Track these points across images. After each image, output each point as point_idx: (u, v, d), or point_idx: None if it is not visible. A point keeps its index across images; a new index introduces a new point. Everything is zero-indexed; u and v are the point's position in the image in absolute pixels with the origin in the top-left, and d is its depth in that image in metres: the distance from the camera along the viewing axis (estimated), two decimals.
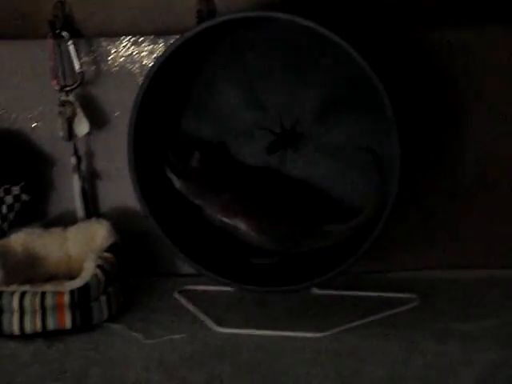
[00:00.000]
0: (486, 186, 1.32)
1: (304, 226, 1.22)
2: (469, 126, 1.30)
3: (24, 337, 1.16)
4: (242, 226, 1.23)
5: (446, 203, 1.32)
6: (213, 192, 1.24)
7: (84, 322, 1.17)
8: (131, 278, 1.29)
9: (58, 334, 1.16)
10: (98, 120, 1.33)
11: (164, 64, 1.17)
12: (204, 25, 1.16)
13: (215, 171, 1.25)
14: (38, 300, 1.15)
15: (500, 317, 1.17)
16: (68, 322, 1.16)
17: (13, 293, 1.15)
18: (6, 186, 1.31)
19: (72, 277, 1.22)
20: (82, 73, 1.29)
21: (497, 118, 1.29)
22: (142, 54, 1.32)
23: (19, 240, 1.29)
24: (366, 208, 1.20)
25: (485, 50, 1.27)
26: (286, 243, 1.23)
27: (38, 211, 1.36)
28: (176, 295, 1.29)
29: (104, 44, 1.32)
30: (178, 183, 1.24)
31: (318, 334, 1.14)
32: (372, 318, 1.18)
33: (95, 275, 1.18)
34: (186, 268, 1.30)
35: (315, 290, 1.27)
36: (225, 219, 1.23)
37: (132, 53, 1.32)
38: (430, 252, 1.34)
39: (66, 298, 1.15)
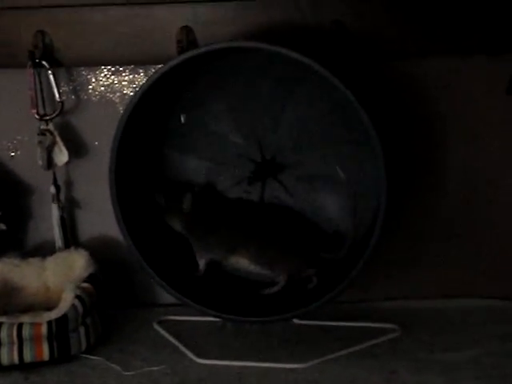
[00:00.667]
0: (470, 217, 1.32)
1: (304, 255, 1.22)
2: (451, 152, 1.31)
3: (1, 369, 1.14)
4: (243, 261, 1.22)
5: (428, 232, 1.33)
6: (208, 232, 1.23)
7: (62, 354, 1.15)
8: (110, 308, 1.28)
9: (36, 365, 1.14)
10: (77, 149, 1.32)
11: (144, 95, 1.16)
12: (185, 55, 1.15)
13: (208, 210, 1.24)
14: (15, 331, 1.13)
15: (483, 346, 1.17)
16: (46, 354, 1.14)
17: None
18: None
19: (50, 307, 1.20)
20: (61, 102, 1.29)
21: (478, 145, 1.30)
22: (123, 83, 1.32)
23: None
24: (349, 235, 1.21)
25: (467, 80, 1.28)
26: (288, 272, 1.22)
27: (15, 241, 1.34)
28: (155, 326, 1.27)
29: (84, 73, 1.32)
30: (177, 225, 1.23)
31: (299, 365, 1.13)
32: (353, 348, 1.18)
33: (73, 306, 1.17)
34: (166, 298, 1.29)
35: (296, 320, 1.26)
36: (224, 258, 1.23)
37: (112, 82, 1.32)
38: (412, 281, 1.33)
39: (44, 329, 1.14)
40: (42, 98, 1.29)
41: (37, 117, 1.29)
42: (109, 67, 1.32)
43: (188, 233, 1.24)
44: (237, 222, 1.24)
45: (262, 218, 1.27)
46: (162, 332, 1.25)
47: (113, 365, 1.15)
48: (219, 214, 1.25)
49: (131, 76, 1.32)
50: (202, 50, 1.15)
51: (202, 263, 1.24)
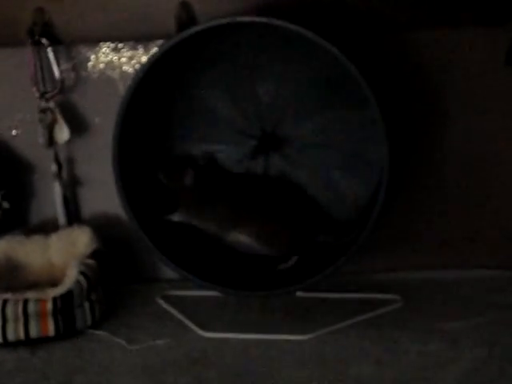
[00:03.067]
0: (467, 189, 1.32)
1: (300, 237, 1.23)
2: (451, 126, 1.31)
3: (7, 345, 1.15)
4: (242, 237, 1.23)
5: (430, 204, 1.33)
6: (209, 208, 1.23)
7: (67, 329, 1.16)
8: (114, 284, 1.29)
9: (42, 341, 1.15)
10: (78, 126, 1.32)
11: (147, 72, 1.16)
12: (189, 31, 1.15)
13: (209, 186, 1.24)
14: (20, 308, 1.14)
15: (484, 315, 1.18)
16: (51, 330, 1.15)
17: None
18: None
19: (54, 284, 1.21)
20: (61, 79, 1.29)
21: (478, 118, 1.30)
22: (122, 60, 1.32)
23: (0, 248, 1.28)
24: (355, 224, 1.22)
25: (465, 52, 1.28)
26: (284, 250, 1.23)
27: (19, 219, 1.35)
28: (159, 300, 1.28)
29: (83, 50, 1.32)
30: (177, 216, 1.23)
31: (303, 337, 1.14)
32: (356, 319, 1.18)
33: (78, 282, 1.17)
34: (169, 273, 1.29)
35: (299, 293, 1.27)
36: (225, 234, 1.23)
37: (112, 59, 1.32)
38: (413, 253, 1.34)
39: (49, 306, 1.15)
40: (42, 75, 1.29)
41: (37, 95, 1.29)
42: (108, 44, 1.31)
43: (190, 209, 1.23)
44: (238, 197, 1.24)
45: (263, 193, 1.27)
46: (166, 306, 1.26)
47: (118, 339, 1.16)
48: (220, 188, 1.25)
49: (131, 53, 1.32)
50: (211, 24, 1.14)
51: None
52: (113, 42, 1.31)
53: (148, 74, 1.16)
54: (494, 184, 1.32)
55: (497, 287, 1.27)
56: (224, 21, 1.15)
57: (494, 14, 1.26)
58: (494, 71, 1.29)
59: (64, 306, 1.16)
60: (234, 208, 1.23)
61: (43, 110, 1.29)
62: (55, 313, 1.15)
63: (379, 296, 1.25)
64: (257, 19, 1.14)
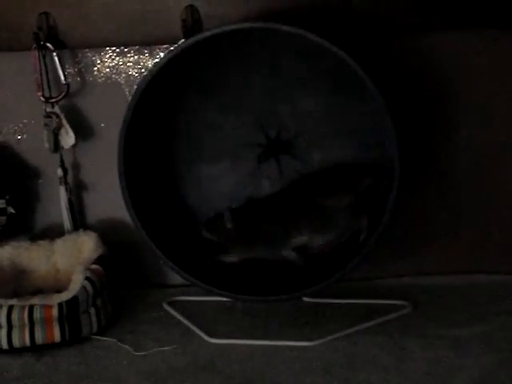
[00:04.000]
0: (476, 193, 1.32)
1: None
2: (461, 129, 1.30)
3: (12, 351, 1.15)
4: (301, 239, 1.23)
5: (438, 209, 1.32)
6: (256, 237, 1.25)
7: (73, 335, 1.16)
8: (120, 289, 1.29)
9: (47, 347, 1.15)
10: (84, 131, 1.32)
11: (154, 77, 1.16)
12: (194, 38, 1.14)
13: (248, 218, 1.25)
14: (26, 314, 1.14)
15: (491, 322, 1.17)
16: (57, 336, 1.15)
17: (0, 307, 1.14)
18: None
19: (60, 290, 1.20)
20: (67, 84, 1.29)
21: (489, 119, 1.30)
22: (128, 64, 1.32)
23: (6, 254, 1.28)
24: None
25: (478, 55, 1.28)
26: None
27: (24, 224, 1.35)
28: (166, 306, 1.27)
29: (89, 55, 1.31)
30: (231, 258, 1.25)
31: (310, 343, 1.14)
32: (363, 325, 1.18)
33: (84, 288, 1.17)
34: (175, 279, 1.29)
35: (306, 299, 1.26)
36: (277, 251, 1.24)
37: (117, 63, 1.32)
38: (421, 259, 1.34)
39: (55, 311, 1.14)
40: (48, 80, 1.29)
41: (42, 99, 1.29)
42: (114, 48, 1.31)
43: (240, 246, 1.25)
44: (275, 214, 1.25)
45: (288, 197, 1.27)
46: (173, 312, 1.25)
47: (124, 345, 1.15)
48: (257, 215, 1.25)
49: (136, 57, 1.31)
50: (216, 30, 1.13)
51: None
52: (118, 47, 1.31)
53: (155, 79, 1.16)
54: (505, 188, 1.31)
55: (507, 293, 1.26)
56: (230, 28, 1.14)
57: (503, 17, 1.25)
58: (503, 74, 1.28)
59: (70, 312, 1.15)
60: (276, 226, 1.24)
61: (48, 115, 1.29)
62: (61, 319, 1.15)
63: (387, 302, 1.25)
64: (266, 26, 1.13)
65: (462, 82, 1.28)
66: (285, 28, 1.11)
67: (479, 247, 1.33)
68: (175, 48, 1.14)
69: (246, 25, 1.14)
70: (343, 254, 1.21)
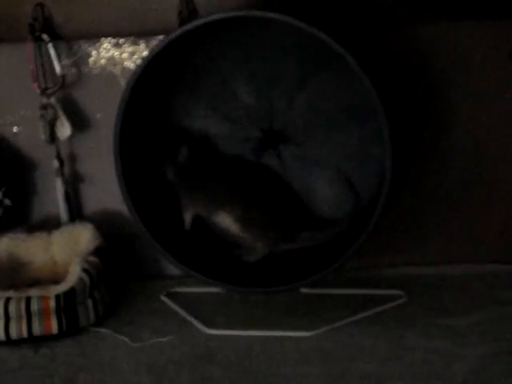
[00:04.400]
0: (473, 183, 1.31)
1: (283, 230, 1.23)
2: (455, 119, 1.30)
3: (10, 343, 1.15)
4: (227, 220, 1.22)
5: (433, 200, 1.32)
6: (198, 186, 1.23)
7: (70, 327, 1.16)
8: (117, 281, 1.28)
9: (45, 339, 1.15)
10: (80, 122, 1.32)
11: (147, 67, 1.15)
12: (188, 26, 1.14)
13: (202, 165, 1.24)
14: (23, 305, 1.14)
15: (487, 311, 1.17)
16: (54, 327, 1.15)
17: None
18: None
19: (57, 281, 1.20)
20: (62, 75, 1.28)
21: (481, 110, 1.29)
22: (123, 55, 1.31)
23: (3, 245, 1.27)
24: (342, 220, 1.23)
25: (470, 45, 1.27)
26: (265, 242, 1.23)
27: (21, 216, 1.34)
28: (163, 297, 1.27)
29: (84, 46, 1.31)
30: (170, 174, 1.24)
31: (307, 333, 1.14)
32: (360, 315, 1.18)
33: (81, 279, 1.17)
34: (173, 270, 1.29)
35: (303, 289, 1.26)
36: (211, 213, 1.22)
37: (113, 54, 1.31)
38: (417, 248, 1.34)
39: (52, 303, 1.14)
40: (43, 71, 1.29)
41: (38, 91, 1.28)
42: (109, 39, 1.31)
43: (179, 184, 1.23)
44: (227, 179, 1.24)
45: (253, 179, 1.26)
46: (170, 303, 1.25)
47: (121, 337, 1.15)
48: (211, 169, 1.24)
49: (132, 48, 1.31)
50: (213, 17, 1.13)
51: (188, 218, 1.24)
52: (114, 38, 1.30)
53: (149, 69, 1.16)
54: (501, 176, 1.31)
55: (503, 282, 1.26)
56: (223, 15, 1.13)
57: (497, 7, 1.24)
58: (497, 64, 1.28)
59: (67, 304, 1.15)
60: (221, 189, 1.23)
61: (44, 107, 1.28)
62: (58, 310, 1.15)
63: (383, 292, 1.25)
64: (258, 14, 1.12)
65: (455, 75, 1.28)
66: (275, 16, 1.10)
67: (476, 236, 1.33)
68: (169, 36, 1.14)
69: (234, 13, 1.14)
70: (338, 244, 1.21)
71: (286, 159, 1.28)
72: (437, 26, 1.26)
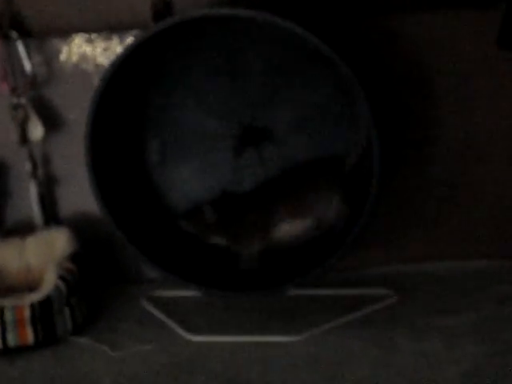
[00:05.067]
0: (460, 179, 1.29)
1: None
2: (442, 118, 1.27)
3: None
4: (285, 227, 1.21)
5: (421, 197, 1.29)
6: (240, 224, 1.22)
7: (47, 337, 1.12)
8: (95, 286, 1.25)
9: (20, 350, 1.11)
10: (52, 122, 1.28)
11: (121, 64, 1.11)
12: (163, 24, 1.09)
13: (229, 209, 1.22)
14: None
15: (478, 310, 1.14)
16: (30, 338, 1.11)
17: None
18: None
19: (32, 288, 1.17)
20: (33, 74, 1.25)
21: (469, 109, 1.26)
22: (96, 51, 1.27)
23: None
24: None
25: (455, 35, 1.24)
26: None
27: None
28: (144, 302, 1.23)
29: (55, 42, 1.27)
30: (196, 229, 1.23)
31: (294, 338, 1.10)
32: (348, 317, 1.14)
33: (57, 287, 1.13)
34: (154, 273, 1.25)
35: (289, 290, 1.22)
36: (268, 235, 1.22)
37: (85, 51, 1.27)
38: (405, 245, 1.30)
39: (27, 313, 1.10)
40: (13, 70, 1.25)
41: (8, 91, 1.24)
42: (81, 34, 1.26)
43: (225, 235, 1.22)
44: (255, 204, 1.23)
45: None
46: (151, 308, 1.21)
47: (101, 345, 1.12)
48: (238, 206, 1.22)
49: (105, 43, 1.27)
50: (185, 16, 1.09)
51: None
52: (86, 33, 1.26)
53: (122, 67, 1.11)
54: (488, 173, 1.28)
55: (495, 278, 1.23)
56: (200, 12, 1.09)
57: None
58: (483, 53, 1.24)
59: (43, 313, 1.11)
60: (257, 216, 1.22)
61: (15, 107, 1.25)
62: (34, 320, 1.11)
63: (372, 291, 1.21)
64: (235, 12, 1.08)
65: (437, 65, 1.24)
66: (250, 14, 1.06)
67: (465, 233, 1.29)
68: (145, 32, 1.10)
69: (215, 11, 1.10)
70: (320, 245, 1.18)
71: (265, 158, 1.24)
72: (421, 15, 1.22)
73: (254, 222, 1.21)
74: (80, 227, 1.27)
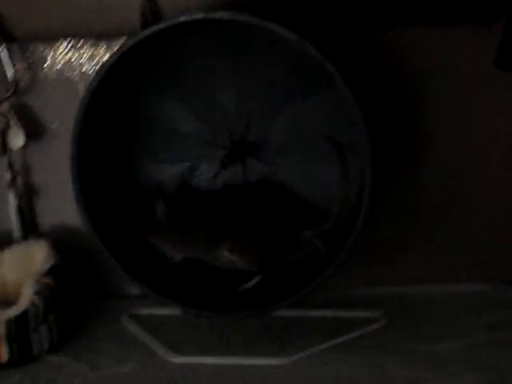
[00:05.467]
0: (458, 199, 1.26)
1: (281, 237, 1.16)
2: (435, 127, 1.24)
3: None
4: (225, 253, 1.14)
5: (415, 214, 1.27)
6: (186, 234, 1.15)
7: (22, 355, 1.08)
8: (75, 302, 1.21)
9: None
10: (34, 132, 1.24)
11: (107, 72, 1.08)
12: (150, 30, 1.06)
13: (183, 211, 1.17)
14: None
15: (471, 336, 1.11)
16: (4, 355, 1.07)
17: None
18: None
19: (8, 303, 1.13)
20: (15, 80, 1.22)
21: (465, 118, 1.24)
22: (82, 59, 1.24)
23: None
24: (333, 210, 1.15)
25: (452, 52, 1.22)
26: (268, 260, 1.15)
27: None
28: (125, 320, 1.20)
29: (39, 48, 1.23)
30: (151, 239, 1.17)
31: (280, 361, 1.07)
32: (336, 340, 1.11)
33: (33, 303, 1.09)
34: (136, 290, 1.21)
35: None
36: (209, 255, 1.15)
37: (71, 58, 1.24)
38: (395, 267, 1.27)
39: (2, 329, 1.07)
40: None
41: None
42: (67, 41, 1.23)
43: (159, 237, 1.16)
44: (215, 214, 1.17)
45: (242, 204, 1.20)
46: (133, 327, 1.18)
47: (79, 365, 1.08)
48: (195, 210, 1.18)
49: (92, 50, 1.24)
50: (174, 20, 1.05)
51: (178, 259, 1.17)
52: (72, 39, 1.23)
53: (109, 75, 1.08)
54: (486, 191, 1.26)
55: (487, 303, 1.21)
56: (188, 17, 1.05)
57: (480, 12, 1.19)
58: (481, 71, 1.22)
59: (18, 330, 1.08)
60: (212, 227, 1.15)
61: None
62: (9, 337, 1.07)
63: (360, 314, 1.18)
64: (228, 17, 1.05)
65: (435, 81, 1.22)
66: (249, 20, 1.04)
67: (458, 255, 1.27)
68: (130, 40, 1.07)
69: (206, 15, 1.05)
70: (307, 264, 1.15)
71: (250, 177, 1.21)
72: (416, 31, 1.20)
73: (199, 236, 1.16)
74: (60, 239, 1.23)
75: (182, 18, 1.05)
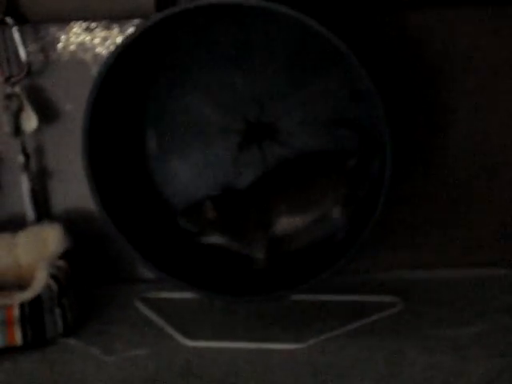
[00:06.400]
0: (472, 185, 1.25)
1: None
2: (454, 119, 1.23)
3: None
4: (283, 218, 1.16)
5: (433, 198, 1.25)
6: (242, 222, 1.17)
7: (36, 338, 1.08)
8: (88, 286, 1.21)
9: (8, 351, 1.06)
10: (47, 114, 1.24)
11: (121, 54, 1.07)
12: (165, 13, 1.05)
13: (231, 207, 1.17)
14: None
15: (489, 320, 1.09)
16: (18, 339, 1.07)
17: None
18: None
19: (22, 286, 1.13)
20: (28, 62, 1.21)
21: (479, 102, 1.23)
22: (95, 41, 1.23)
23: None
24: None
25: (469, 32, 1.21)
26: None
27: None
28: (138, 304, 1.19)
29: (53, 30, 1.23)
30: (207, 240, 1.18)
31: (297, 346, 1.05)
32: (354, 325, 1.10)
33: (48, 286, 1.08)
34: (149, 273, 1.19)
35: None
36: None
37: (84, 40, 1.23)
38: (414, 250, 1.26)
39: (16, 312, 1.06)
40: (7, 58, 1.22)
41: (2, 79, 1.21)
42: (80, 23, 1.23)
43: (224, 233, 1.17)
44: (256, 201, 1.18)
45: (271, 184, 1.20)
46: (146, 311, 1.17)
47: (92, 349, 1.07)
48: (238, 203, 1.18)
49: (105, 33, 1.23)
50: (191, 4, 1.04)
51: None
52: (85, 21, 1.23)
53: (122, 57, 1.07)
54: (501, 178, 1.24)
55: (507, 287, 1.19)
56: (206, 2, 1.04)
57: None
58: (500, 52, 1.21)
59: (32, 313, 1.07)
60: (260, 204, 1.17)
61: (8, 96, 1.21)
62: (23, 320, 1.07)
63: (378, 298, 1.17)
64: (242, 2, 1.04)
65: (458, 65, 1.21)
66: (264, 4, 1.02)
67: (477, 239, 1.26)
68: (146, 21, 1.05)
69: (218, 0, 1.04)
70: (325, 249, 1.14)
71: (268, 156, 1.20)
72: (436, 12, 1.19)
73: (253, 219, 1.16)
74: (73, 223, 1.23)
75: (198, 2, 1.04)
